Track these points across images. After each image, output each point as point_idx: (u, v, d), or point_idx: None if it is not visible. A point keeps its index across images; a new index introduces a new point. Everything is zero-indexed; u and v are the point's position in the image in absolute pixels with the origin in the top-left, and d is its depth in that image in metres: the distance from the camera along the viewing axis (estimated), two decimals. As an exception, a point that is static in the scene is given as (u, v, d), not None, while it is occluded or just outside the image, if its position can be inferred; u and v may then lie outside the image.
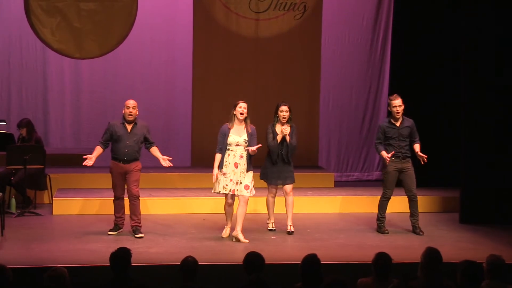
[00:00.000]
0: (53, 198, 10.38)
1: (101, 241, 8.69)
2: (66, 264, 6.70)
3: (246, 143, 8.86)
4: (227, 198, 9.03)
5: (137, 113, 9.13)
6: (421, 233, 9.28)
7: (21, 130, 10.57)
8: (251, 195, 8.95)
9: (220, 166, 8.87)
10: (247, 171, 8.90)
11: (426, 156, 9.17)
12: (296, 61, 12.27)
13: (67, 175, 11.15)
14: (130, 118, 9.10)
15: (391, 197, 9.43)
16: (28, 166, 9.91)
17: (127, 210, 9.24)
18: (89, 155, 9.01)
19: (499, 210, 9.96)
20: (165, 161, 9.18)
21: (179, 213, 10.37)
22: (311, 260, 5.64)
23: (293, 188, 9.36)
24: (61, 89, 12.78)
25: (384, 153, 9.21)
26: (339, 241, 8.96)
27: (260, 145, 8.98)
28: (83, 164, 9.05)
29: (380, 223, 9.45)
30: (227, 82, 12.16)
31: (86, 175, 11.27)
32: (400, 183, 9.44)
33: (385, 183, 9.40)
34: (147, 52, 12.79)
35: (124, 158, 9.07)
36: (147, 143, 9.25)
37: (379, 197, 9.52)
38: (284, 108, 9.24)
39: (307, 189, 11.08)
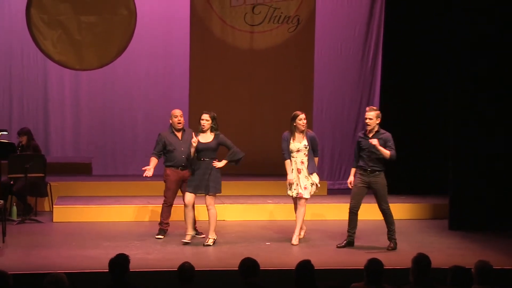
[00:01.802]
0: (54, 206, 10.47)
1: (100, 247, 8.76)
2: (65, 270, 6.77)
3: (306, 148, 9.01)
4: (295, 201, 9.22)
5: (184, 121, 9.39)
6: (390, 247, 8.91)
7: (21, 137, 10.67)
8: (307, 197, 9.11)
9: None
10: (311, 174, 9.07)
11: (374, 144, 8.76)
12: (290, 72, 12.40)
13: (67, 183, 11.26)
14: (180, 126, 9.39)
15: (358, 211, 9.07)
16: (29, 175, 10.01)
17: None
18: (147, 167, 9.20)
19: (487, 217, 10.04)
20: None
21: (176, 220, 10.43)
22: (305, 265, 5.74)
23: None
24: (61, 99, 12.91)
25: (351, 176, 9.09)
26: (332, 247, 9.05)
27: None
28: (144, 175, 9.24)
29: (348, 237, 9.02)
30: (223, 93, 12.29)
31: (86, 183, 11.42)
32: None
33: (351, 195, 9.11)
34: (145, 63, 12.93)
35: (183, 164, 9.29)
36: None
37: (371, 205, 9.46)
38: (204, 116, 9.00)
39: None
